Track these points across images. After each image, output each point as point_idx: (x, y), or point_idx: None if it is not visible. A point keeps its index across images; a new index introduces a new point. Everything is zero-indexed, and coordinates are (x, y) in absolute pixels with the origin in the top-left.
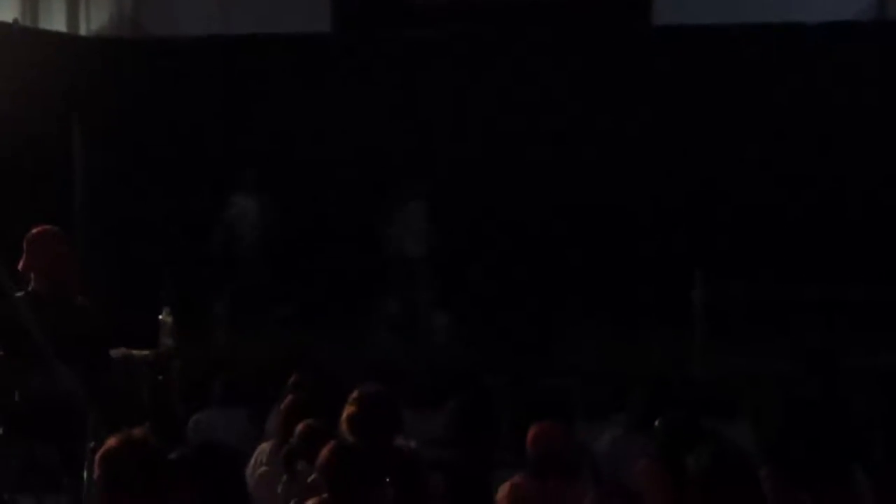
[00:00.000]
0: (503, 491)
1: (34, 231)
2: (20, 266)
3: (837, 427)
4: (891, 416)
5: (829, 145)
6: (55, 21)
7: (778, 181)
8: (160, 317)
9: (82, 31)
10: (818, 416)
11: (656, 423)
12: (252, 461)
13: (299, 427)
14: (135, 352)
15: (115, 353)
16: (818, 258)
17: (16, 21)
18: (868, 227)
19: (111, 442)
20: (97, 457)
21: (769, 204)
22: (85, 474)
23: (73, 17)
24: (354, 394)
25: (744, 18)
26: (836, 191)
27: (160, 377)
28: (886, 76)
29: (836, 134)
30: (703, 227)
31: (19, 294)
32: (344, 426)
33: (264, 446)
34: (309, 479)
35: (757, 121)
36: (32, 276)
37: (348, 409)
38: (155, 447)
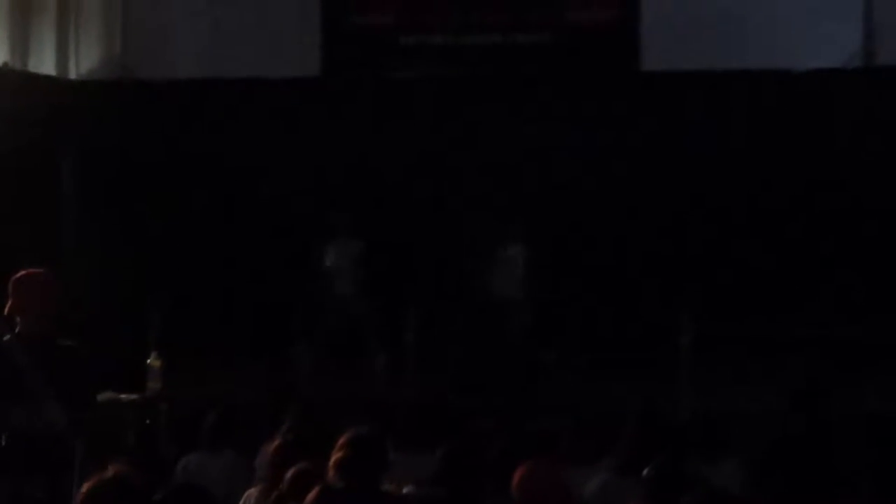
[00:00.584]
0: None
1: (21, 273)
2: (7, 308)
3: (824, 467)
4: (877, 456)
5: (816, 188)
6: (45, 64)
7: (765, 222)
8: (148, 361)
9: (72, 74)
10: (805, 456)
11: (645, 470)
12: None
13: (291, 472)
14: (122, 395)
15: (102, 397)
16: (805, 298)
17: (5, 64)
18: (854, 266)
19: (96, 479)
20: (81, 494)
21: (757, 245)
22: None
23: (62, 59)
24: (343, 438)
25: (731, 65)
26: (823, 232)
27: (147, 420)
28: (874, 123)
29: (821, 177)
30: (690, 268)
31: (6, 337)
32: (332, 470)
33: (252, 492)
34: None
35: (743, 164)
36: (19, 318)
37: (336, 454)
38: (139, 487)
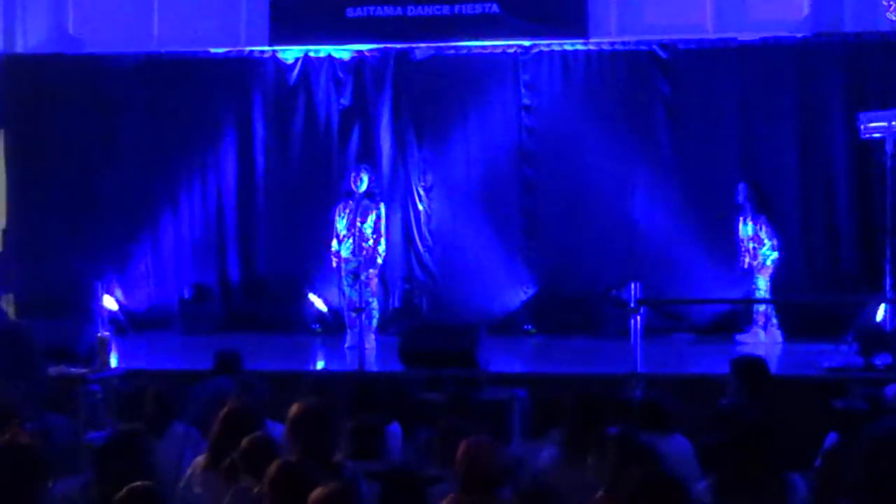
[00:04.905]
0: None
1: None
2: None
3: (774, 435)
4: (824, 424)
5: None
6: None
7: (709, 194)
8: (98, 334)
9: (19, 48)
10: (754, 424)
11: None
12: (188, 473)
13: (245, 441)
14: (72, 369)
15: (53, 370)
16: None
17: None
18: (798, 239)
19: None
20: None
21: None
22: None
23: (9, 34)
24: (294, 409)
25: (675, 35)
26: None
27: (98, 394)
28: (821, 91)
29: (769, 143)
30: (637, 240)
31: None
32: (286, 441)
33: (199, 460)
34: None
35: (686, 132)
36: None
37: (290, 426)
38: (33, 451)
